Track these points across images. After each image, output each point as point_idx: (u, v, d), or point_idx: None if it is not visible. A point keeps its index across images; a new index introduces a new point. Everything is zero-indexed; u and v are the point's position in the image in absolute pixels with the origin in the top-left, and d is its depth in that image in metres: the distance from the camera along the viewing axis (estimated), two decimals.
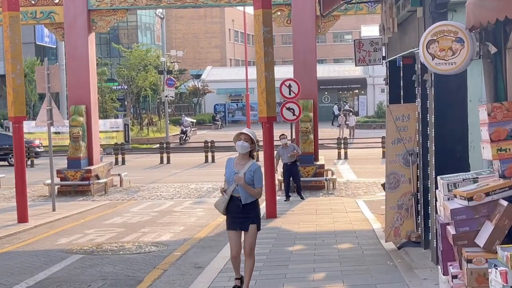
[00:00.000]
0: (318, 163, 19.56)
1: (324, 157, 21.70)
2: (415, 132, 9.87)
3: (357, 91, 61.99)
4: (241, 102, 59.64)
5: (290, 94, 17.94)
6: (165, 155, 29.67)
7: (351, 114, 42.37)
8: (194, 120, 47.25)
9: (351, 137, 37.96)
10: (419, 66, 9.05)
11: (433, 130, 8.31)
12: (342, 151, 29.11)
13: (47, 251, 11.48)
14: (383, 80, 13.52)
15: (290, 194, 16.99)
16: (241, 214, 7.44)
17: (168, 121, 42.73)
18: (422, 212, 9.43)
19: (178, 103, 59.06)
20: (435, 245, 8.31)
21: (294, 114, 17.73)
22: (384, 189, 10.38)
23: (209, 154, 29.49)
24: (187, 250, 11.19)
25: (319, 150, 20.71)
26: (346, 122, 40.91)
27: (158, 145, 31.34)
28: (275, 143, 15.01)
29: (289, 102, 17.79)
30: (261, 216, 14.48)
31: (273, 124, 14.63)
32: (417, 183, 9.85)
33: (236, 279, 7.81)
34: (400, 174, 10.01)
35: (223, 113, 59.77)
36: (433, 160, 8.26)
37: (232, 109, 61.11)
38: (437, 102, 8.26)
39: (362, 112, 57.99)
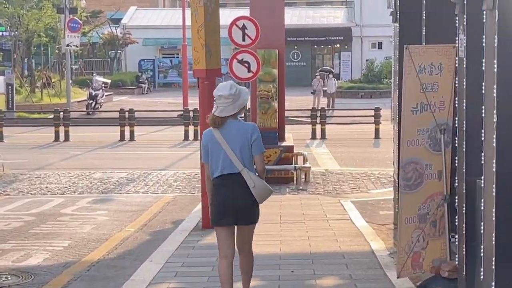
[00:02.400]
0: (284, 144, 19.01)
1: (293, 135, 21.41)
2: (452, 92, 8.95)
3: (338, 45, 62.80)
4: (177, 57, 59.70)
5: (244, 40, 16.99)
6: (62, 129, 29.34)
7: (330, 76, 42.61)
8: (109, 81, 46.45)
9: (331, 108, 38.24)
10: None
11: (494, 87, 7.00)
12: (318, 127, 29.14)
13: None
14: (389, 15, 12.57)
15: None
16: None
17: (71, 82, 42.28)
18: (464, 228, 8.24)
19: (88, 57, 59.75)
20: None
21: (249, 70, 16.80)
22: None
23: (127, 129, 29.17)
24: (65, 285, 9.98)
25: (286, 126, 20.45)
26: (324, 88, 41.33)
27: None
28: None
29: (242, 51, 16.88)
30: (196, 226, 13.20)
31: (215, 82, 13.31)
32: (452, 179, 9.00)
33: None
34: (424, 163, 9.05)
35: (152, 72, 60.15)
36: (494, 139, 7.00)
37: (164, 67, 61.28)
38: (502, 35, 6.96)
39: (345, 74, 59.03)
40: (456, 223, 8.64)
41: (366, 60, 56.05)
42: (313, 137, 28.41)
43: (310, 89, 41.78)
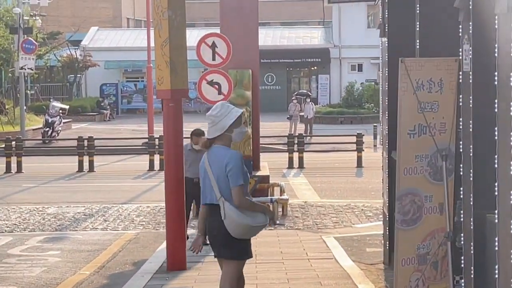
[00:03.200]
0: (259, 173, 19.20)
1: (268, 164, 21.58)
2: (454, 112, 8.76)
3: (315, 67, 62.97)
4: (142, 81, 59.93)
5: (214, 59, 16.99)
6: (14, 160, 29.27)
7: (308, 100, 42.91)
8: (67, 107, 46.32)
9: (308, 135, 38.45)
10: None
11: (511, 103, 6.60)
12: (296, 155, 29.19)
13: None
14: (377, 29, 12.56)
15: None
16: None
17: (26, 108, 42.19)
18: (472, 270, 7.91)
19: (46, 81, 59.23)
20: None
21: (220, 92, 16.82)
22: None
23: (85, 159, 29.15)
24: None
25: (261, 154, 20.71)
26: (301, 113, 41.50)
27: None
28: (185, 141, 14.04)
29: (212, 72, 16.91)
30: (160, 268, 12.99)
31: (181, 104, 13.29)
32: (455, 212, 8.71)
33: None
34: (423, 194, 8.95)
35: (114, 97, 60.08)
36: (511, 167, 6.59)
37: (127, 92, 61.29)
38: None
39: (323, 98, 59.31)
40: (462, 265, 8.38)
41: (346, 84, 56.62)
42: (290, 166, 28.42)
43: (286, 114, 42.05)
